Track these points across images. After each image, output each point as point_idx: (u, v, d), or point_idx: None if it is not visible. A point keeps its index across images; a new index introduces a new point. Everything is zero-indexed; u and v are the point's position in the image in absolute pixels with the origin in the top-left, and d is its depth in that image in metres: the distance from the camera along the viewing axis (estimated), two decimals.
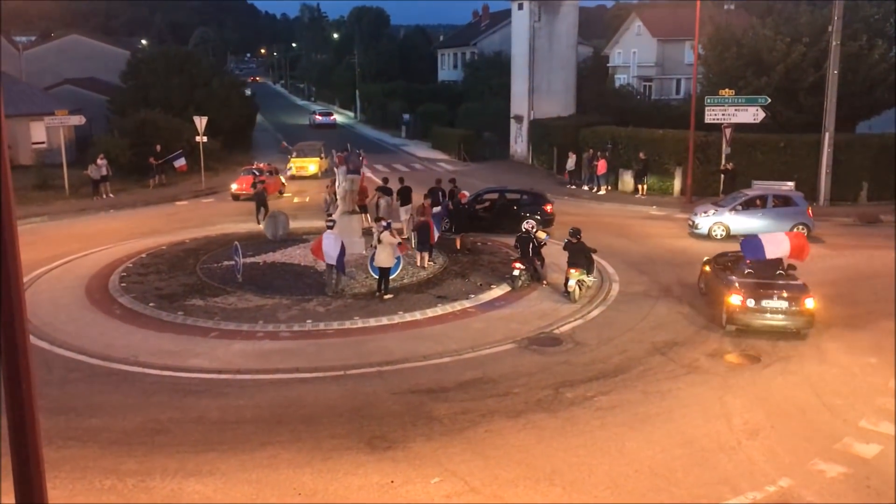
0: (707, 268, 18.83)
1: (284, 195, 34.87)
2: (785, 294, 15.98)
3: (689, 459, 11.05)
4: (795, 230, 24.21)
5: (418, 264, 20.98)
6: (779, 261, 16.86)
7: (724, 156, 29.86)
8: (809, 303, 15.91)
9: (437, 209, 22.38)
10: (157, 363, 14.94)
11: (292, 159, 40.65)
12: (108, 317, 17.89)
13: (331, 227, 19.23)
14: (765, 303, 15.93)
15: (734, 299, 16.12)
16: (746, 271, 16.82)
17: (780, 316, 15.93)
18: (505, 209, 26.33)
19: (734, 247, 19.53)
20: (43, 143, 40.39)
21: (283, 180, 36.07)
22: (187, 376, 14.38)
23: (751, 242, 17.06)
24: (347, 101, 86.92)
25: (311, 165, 40.12)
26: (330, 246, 18.51)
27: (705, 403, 12.91)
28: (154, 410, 12.87)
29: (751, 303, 15.93)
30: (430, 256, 21.37)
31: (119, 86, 48.99)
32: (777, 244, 16.83)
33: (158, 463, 11.02)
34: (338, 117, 77.78)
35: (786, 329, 16.06)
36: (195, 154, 36.71)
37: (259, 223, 26.75)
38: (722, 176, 29.81)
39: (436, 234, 21.50)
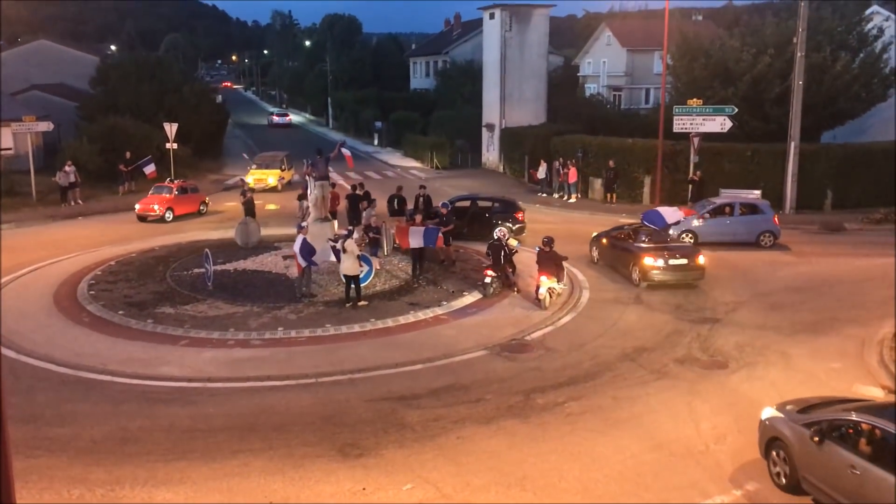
0: (604, 240, 22.50)
1: (204, 213, 31.94)
2: (684, 253, 20.34)
3: (658, 464, 11.19)
4: (762, 238, 24.75)
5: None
6: (666, 230, 21.68)
7: (692, 164, 30.26)
8: (701, 259, 20.25)
9: (430, 223, 21.54)
10: (126, 371, 14.81)
11: (251, 171, 38.43)
12: (77, 325, 17.70)
13: (300, 228, 19.66)
14: (671, 261, 20.00)
15: (648, 260, 19.92)
16: (646, 238, 20.78)
17: (682, 271, 20.07)
18: (477, 216, 26.44)
19: (701, 253, 20.21)
20: (10, 149, 39.76)
21: (207, 199, 32.64)
22: (157, 384, 14.28)
23: (652, 213, 21.94)
24: (320, 109, 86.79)
25: (271, 178, 38.00)
26: (297, 246, 18.73)
27: (674, 409, 13.09)
28: (123, 419, 12.76)
29: (660, 262, 19.98)
30: (420, 270, 20.92)
31: (88, 92, 48.46)
32: (672, 214, 22.05)
33: (128, 472, 10.94)
34: (298, 118, 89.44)
35: (685, 280, 20.17)
36: (165, 161, 36.41)
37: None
38: (690, 186, 30.20)
39: (418, 239, 20.33)
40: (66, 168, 33.74)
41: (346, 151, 24.22)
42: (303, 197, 24.40)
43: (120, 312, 18.19)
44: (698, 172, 30.29)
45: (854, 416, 9.62)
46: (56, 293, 20.12)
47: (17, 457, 10.75)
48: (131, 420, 12.71)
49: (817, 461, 9.78)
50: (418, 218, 20.94)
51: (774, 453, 10.64)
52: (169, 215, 30.00)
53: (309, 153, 24.47)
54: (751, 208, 25.55)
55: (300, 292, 19.14)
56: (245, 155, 42.90)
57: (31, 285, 21.04)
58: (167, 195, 30.70)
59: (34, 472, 10.79)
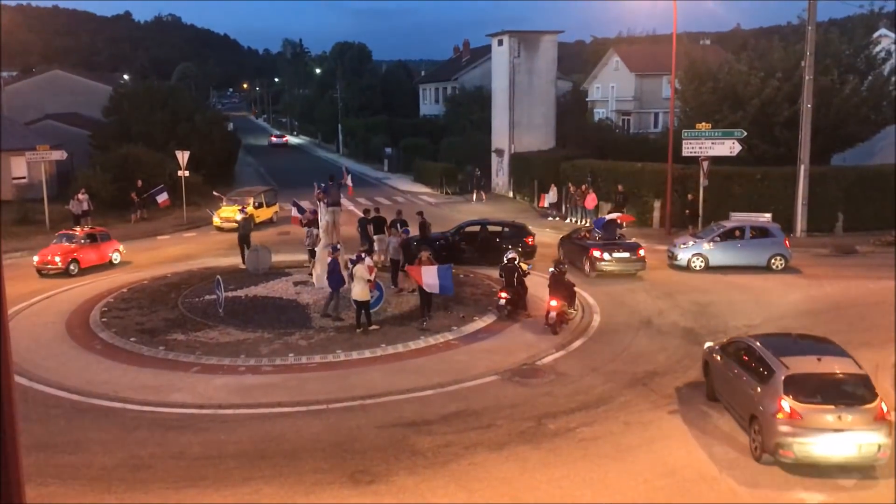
0: (565, 244, 26.56)
1: (116, 264, 27.46)
2: (626, 248, 24.54)
3: (671, 490, 11.11)
4: (773, 261, 24.69)
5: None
6: (614, 232, 25.48)
7: (701, 188, 30.26)
8: (642, 252, 24.38)
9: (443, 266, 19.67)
10: (138, 398, 14.85)
11: (223, 206, 35.22)
12: (89, 352, 17.78)
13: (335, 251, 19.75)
14: (615, 255, 24.17)
15: (596, 254, 24.05)
16: (598, 238, 25.04)
17: (625, 264, 24.21)
18: (487, 242, 26.50)
19: (711, 277, 19.79)
20: (24, 178, 40.26)
21: (121, 247, 28.15)
22: (169, 411, 14.31)
23: (599, 220, 26.51)
24: (330, 135, 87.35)
25: (239, 216, 31.53)
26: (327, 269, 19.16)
27: (686, 434, 13.01)
28: (135, 446, 12.78)
29: (606, 256, 24.03)
30: (428, 311, 19.46)
31: (101, 121, 49.01)
32: (609, 217, 26.41)
33: (140, 499, 10.96)
34: (308, 143, 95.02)
35: (628, 270, 24.24)
36: (177, 189, 36.71)
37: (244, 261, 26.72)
38: (687, 210, 30.46)
39: (434, 286, 18.73)
40: (80, 196, 34.08)
41: (348, 180, 24.49)
42: (311, 224, 24.44)
43: (132, 339, 18.27)
44: (691, 194, 30.61)
45: (740, 338, 13.92)
46: (68, 320, 20.23)
47: (30, 484, 10.78)
48: (143, 447, 12.73)
49: (719, 372, 13.86)
50: (424, 255, 19.62)
51: (703, 371, 14.71)
52: (74, 268, 25.63)
53: (320, 179, 24.60)
54: (761, 232, 25.50)
55: (324, 313, 19.43)
56: (215, 192, 38.25)
57: (43, 312, 21.17)
58: (71, 245, 26.11)
59: (47, 499, 10.81)
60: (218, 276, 20.93)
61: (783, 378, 11.62)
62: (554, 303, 18.55)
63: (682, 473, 11.58)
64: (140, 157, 39.90)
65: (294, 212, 25.55)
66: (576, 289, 19.63)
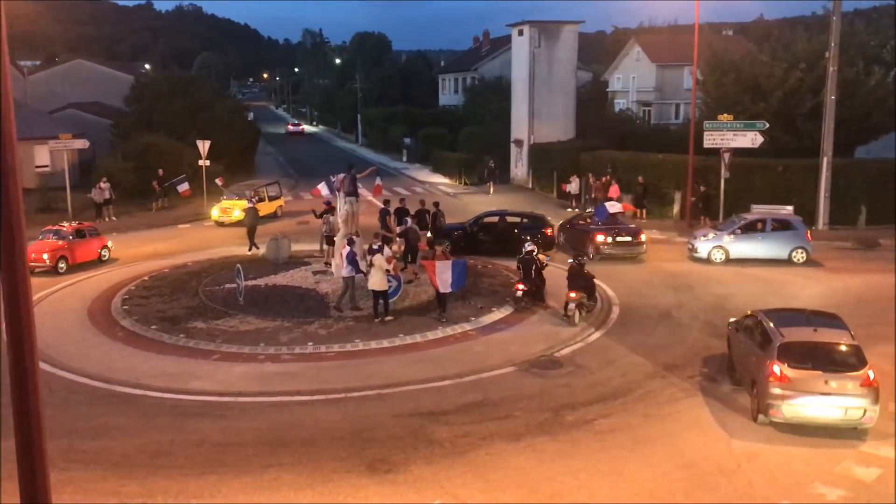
0: (567, 226, 27.87)
1: (105, 260, 26.24)
2: (628, 233, 25.71)
3: (689, 482, 11.09)
4: (794, 254, 24.48)
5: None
6: (615, 217, 26.40)
7: (722, 180, 30.03)
8: (642, 237, 25.49)
9: (458, 259, 20.10)
10: (158, 385, 15.00)
11: (223, 200, 34.35)
12: (111, 339, 17.99)
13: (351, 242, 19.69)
14: (618, 239, 25.37)
15: (599, 238, 25.28)
16: (599, 223, 25.96)
17: (627, 247, 25.30)
18: (505, 232, 26.46)
19: (732, 269, 19.69)
20: (46, 166, 40.65)
21: (110, 243, 26.88)
22: (189, 399, 14.44)
23: (600, 209, 26.83)
24: (349, 125, 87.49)
25: (237, 210, 32.66)
26: (345, 257, 19.13)
27: (705, 426, 12.97)
28: (155, 433, 12.92)
29: (609, 239, 25.27)
30: (443, 310, 19.10)
31: (123, 110, 49.37)
32: (613, 207, 26.87)
33: (160, 485, 11.07)
34: (326, 133, 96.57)
35: (630, 254, 25.25)
36: (198, 178, 36.92)
37: (251, 246, 27.13)
38: (702, 196, 30.44)
39: (447, 283, 18.60)
40: (101, 185, 34.38)
41: (377, 180, 24.27)
42: (327, 213, 24.53)
43: (153, 327, 18.44)
44: (703, 186, 30.54)
45: (754, 312, 14.59)
46: (90, 308, 20.45)
47: (52, 469, 10.88)
48: (163, 434, 12.86)
49: (735, 344, 14.92)
50: (439, 249, 19.73)
51: (727, 346, 15.54)
52: (62, 265, 24.46)
53: (339, 169, 24.63)
54: (783, 224, 25.28)
55: (337, 305, 19.40)
56: (218, 181, 36.97)
57: (66, 300, 21.41)
58: (59, 241, 24.84)
59: (69, 484, 10.94)
60: (238, 265, 21.08)
61: (778, 345, 12.72)
62: (573, 294, 18.51)
63: (701, 466, 11.54)
64: (161, 147, 40.16)
65: (323, 189, 24.72)
66: (595, 280, 19.54)
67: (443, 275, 18.42)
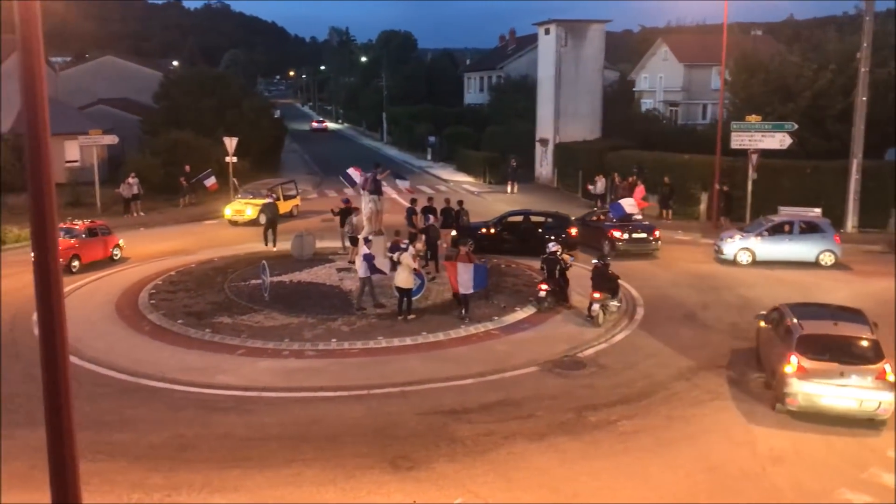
0: (579, 226, 27.29)
1: (117, 259, 25.84)
2: (643, 229, 26.19)
3: (712, 485, 11.02)
4: (822, 257, 24.21)
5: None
6: (629, 214, 26.60)
7: (749, 181, 29.77)
8: (657, 233, 26.12)
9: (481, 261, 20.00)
10: (184, 379, 15.15)
11: (237, 199, 34.14)
12: (138, 333, 18.20)
13: (367, 242, 19.75)
14: (634, 235, 25.92)
15: (616, 234, 25.75)
16: (614, 220, 26.40)
17: (642, 244, 25.88)
18: (529, 232, 26.41)
19: (758, 271, 19.61)
20: (76, 161, 41.16)
21: (121, 242, 26.32)
22: (214, 393, 14.58)
23: (616, 206, 27.10)
24: (374, 124, 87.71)
25: (249, 209, 32.67)
26: (362, 257, 19.18)
27: (730, 430, 12.87)
28: (181, 426, 13.05)
29: (626, 236, 25.79)
30: (465, 311, 18.89)
31: (151, 106, 49.87)
32: (630, 206, 26.81)
33: (184, 478, 11.18)
34: (352, 132, 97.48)
35: (645, 250, 25.82)
36: (224, 174, 37.20)
37: (266, 242, 27.27)
38: (722, 197, 30.36)
39: (468, 285, 18.53)
40: (130, 180, 34.78)
41: (404, 183, 24.11)
42: (345, 212, 24.74)
43: (179, 322, 18.63)
44: (726, 185, 30.31)
45: (779, 306, 15.12)
46: (118, 302, 20.70)
47: (80, 460, 11.06)
48: (188, 427, 12.99)
49: (761, 337, 15.60)
50: (463, 250, 19.48)
51: (756, 339, 16.20)
52: (76, 264, 24.03)
53: (364, 168, 24.69)
54: (811, 227, 25.01)
55: (359, 305, 19.38)
56: (235, 180, 37.12)
57: (94, 294, 21.67)
58: (71, 240, 24.20)
59: (96, 475, 11.08)
60: (264, 261, 21.22)
61: (797, 337, 13.24)
62: (597, 295, 18.44)
63: (725, 469, 11.47)
64: (189, 143, 40.55)
65: (356, 176, 24.33)
66: (620, 281, 19.44)
67: (463, 276, 18.38)
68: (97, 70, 57.84)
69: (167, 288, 21.73)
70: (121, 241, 26.31)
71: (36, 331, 18.04)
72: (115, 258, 25.72)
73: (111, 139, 36.89)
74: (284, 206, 33.96)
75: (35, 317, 19.16)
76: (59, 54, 76.21)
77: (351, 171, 23.92)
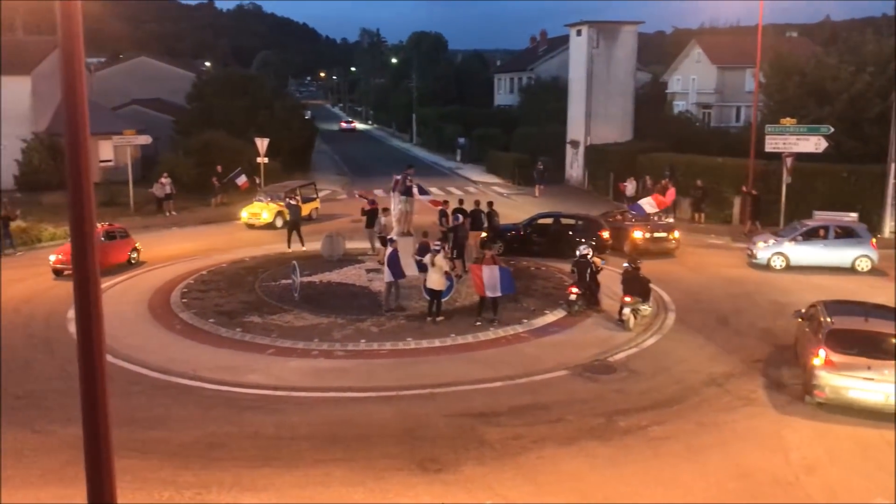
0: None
1: (134, 262, 25.39)
2: (664, 229, 26.91)
3: (744, 493, 10.87)
4: (858, 262, 23.81)
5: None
6: (648, 214, 26.94)
7: (784, 185, 29.37)
8: (677, 233, 26.78)
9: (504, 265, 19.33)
10: (215, 378, 15.29)
11: (254, 202, 33.69)
12: (170, 331, 18.40)
13: (391, 242, 19.80)
14: (655, 234, 26.48)
15: (637, 234, 26.22)
16: (634, 220, 26.88)
17: (663, 243, 26.35)
18: (559, 234, 26.29)
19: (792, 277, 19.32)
20: (110, 161, 41.71)
21: (138, 245, 25.88)
22: (244, 392, 14.68)
23: (636, 206, 27.34)
24: (404, 125, 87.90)
25: (265, 212, 32.46)
26: (387, 259, 19.14)
27: (762, 437, 12.69)
28: (211, 424, 13.16)
29: (647, 235, 26.25)
30: (495, 313, 18.84)
31: (184, 107, 50.41)
32: (649, 205, 26.85)
33: (215, 476, 11.26)
34: (381, 132, 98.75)
35: (667, 248, 26.27)
36: (256, 175, 37.49)
37: (291, 242, 27.29)
38: (749, 200, 29.93)
39: (493, 287, 18.35)
40: (163, 180, 35.21)
41: (426, 198, 23.90)
42: (371, 213, 24.89)
43: (210, 321, 18.80)
44: (754, 189, 30.05)
45: (816, 303, 15.47)
46: (151, 300, 20.94)
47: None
48: (219, 426, 13.09)
49: (799, 334, 15.81)
50: (488, 254, 19.36)
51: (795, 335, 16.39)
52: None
53: (394, 168, 24.76)
54: (846, 231, 24.60)
55: (387, 307, 19.38)
56: (258, 180, 37.36)
57: (127, 292, 21.94)
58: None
59: (128, 472, 11.18)
60: (294, 262, 21.36)
61: (827, 331, 13.66)
62: (628, 299, 18.29)
63: (757, 477, 11.30)
64: (221, 143, 40.96)
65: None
66: (651, 285, 19.26)
67: (488, 279, 18.22)
68: (131, 71, 58.55)
69: (199, 287, 21.94)
70: (137, 245, 25.89)
71: (70, 327, 18.40)
72: (132, 262, 25.20)
73: (145, 139, 37.36)
74: (304, 209, 32.85)
75: (70, 314, 19.52)
76: (93, 55, 77.25)
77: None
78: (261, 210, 32.59)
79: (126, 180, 35.79)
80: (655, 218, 27.40)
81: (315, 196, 36.27)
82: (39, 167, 38.69)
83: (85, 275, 4.53)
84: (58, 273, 23.37)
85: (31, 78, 40.68)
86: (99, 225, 24.54)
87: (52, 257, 23.63)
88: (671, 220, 29.21)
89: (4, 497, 10.72)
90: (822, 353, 13.37)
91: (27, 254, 26.30)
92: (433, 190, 41.17)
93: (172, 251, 27.35)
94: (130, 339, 17.64)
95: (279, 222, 31.83)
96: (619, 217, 28.21)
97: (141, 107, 51.31)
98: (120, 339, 17.43)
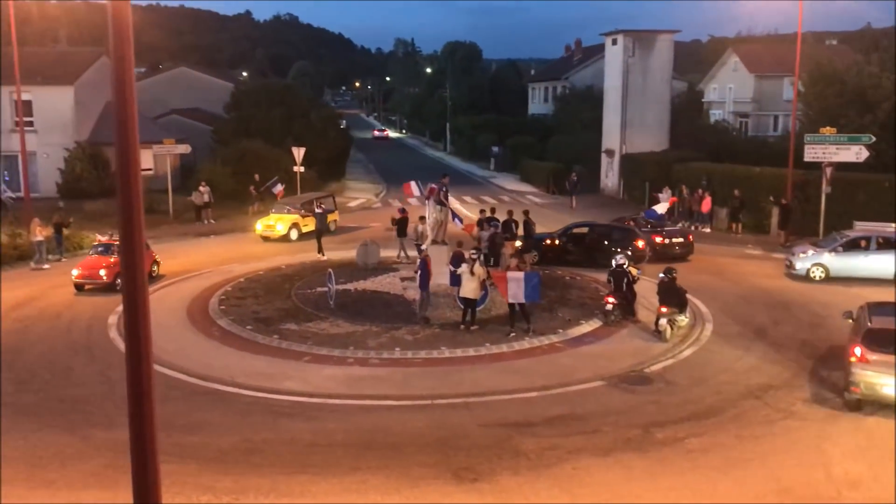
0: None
1: (154, 275, 24.43)
2: (680, 234, 28.26)
3: None
4: None
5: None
6: (663, 219, 29.17)
7: (823, 195, 28.95)
8: (690, 238, 27.89)
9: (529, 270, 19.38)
10: (252, 384, 15.44)
11: (272, 213, 32.78)
12: (208, 338, 18.63)
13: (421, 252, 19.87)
14: (673, 239, 27.34)
15: (657, 239, 26.94)
16: (648, 225, 27.96)
17: (678, 247, 27.18)
18: (595, 244, 26.16)
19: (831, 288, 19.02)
20: (150, 169, 42.23)
21: (157, 257, 25.27)
22: (280, 398, 14.80)
23: (650, 211, 29.68)
24: (438, 133, 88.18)
25: (280, 225, 31.65)
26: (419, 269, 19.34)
27: (802, 451, 12.49)
28: (249, 430, 13.29)
29: (662, 242, 26.97)
30: (527, 322, 18.54)
31: (222, 116, 51.10)
32: (662, 208, 29.97)
33: (252, 482, 11.37)
34: (414, 142, 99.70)
35: (681, 253, 26.89)
36: (292, 183, 37.88)
37: (319, 252, 27.66)
38: (779, 210, 29.74)
39: (518, 294, 18.12)
40: (201, 188, 35.71)
41: (458, 224, 24.02)
42: (402, 221, 25.14)
43: (248, 327, 18.99)
44: (783, 200, 29.87)
45: (863, 306, 15.66)
46: (189, 307, 21.21)
47: None
48: (256, 432, 13.21)
49: (847, 334, 15.66)
50: (513, 263, 19.11)
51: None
52: (119, 281, 21.31)
53: (428, 178, 24.88)
54: (889, 242, 24.12)
55: (421, 315, 19.44)
56: (280, 184, 37.03)
57: (166, 299, 22.24)
58: (114, 257, 23.00)
59: (167, 477, 11.18)
60: (330, 270, 21.52)
61: (864, 330, 14.18)
62: (664, 309, 18.14)
63: (797, 492, 11.12)
64: (258, 153, 41.47)
65: (415, 189, 24.33)
66: (687, 296, 19.08)
67: (513, 286, 18.04)
68: (171, 81, 59.47)
69: (236, 294, 22.19)
70: (157, 257, 25.21)
71: (111, 333, 18.68)
72: (153, 275, 24.09)
73: (184, 148, 37.95)
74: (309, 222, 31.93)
75: (111, 319, 19.89)
76: (134, 66, 78.48)
77: (413, 185, 24.06)
78: (275, 222, 31.89)
79: (165, 188, 36.37)
80: (669, 224, 28.23)
81: (334, 208, 35.57)
82: (81, 175, 39.49)
83: (133, 280, 4.63)
84: (79, 288, 22.95)
85: (74, 88, 41.57)
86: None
87: (75, 272, 23.05)
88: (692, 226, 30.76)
89: (49, 500, 10.93)
90: (857, 350, 13.90)
91: (71, 260, 26.78)
92: (466, 199, 41.32)
93: (209, 259, 27.67)
94: (170, 344, 17.86)
95: (294, 234, 31.59)
96: (630, 223, 28.52)
97: (180, 116, 52.09)
98: (159, 345, 17.57)
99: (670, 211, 35.35)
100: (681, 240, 27.64)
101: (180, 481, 11.29)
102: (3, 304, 21.11)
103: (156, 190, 38.44)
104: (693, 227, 33.63)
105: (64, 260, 27.24)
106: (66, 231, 28.16)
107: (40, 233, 26.38)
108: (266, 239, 31.60)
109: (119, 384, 15.22)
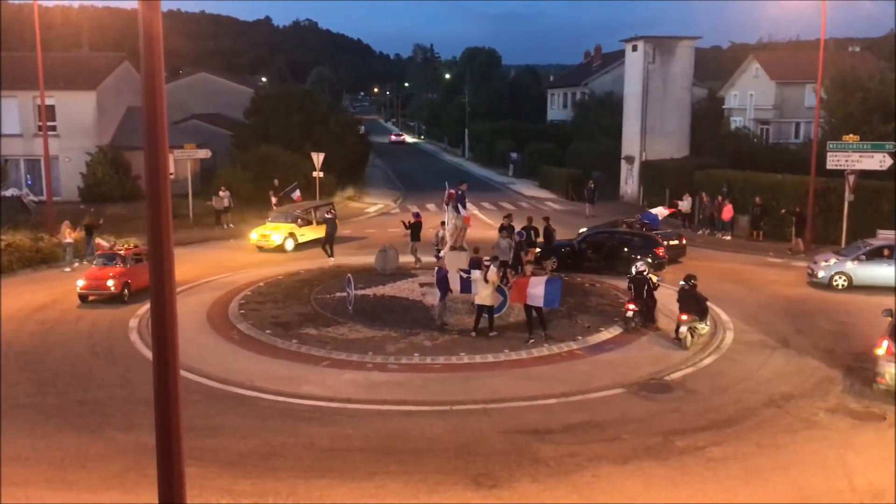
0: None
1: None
2: (674, 237, 28.65)
3: None
4: None
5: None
6: (657, 221, 30.04)
7: (846, 203, 28.68)
8: (684, 241, 28.82)
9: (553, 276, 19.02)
10: (271, 388, 15.47)
11: (267, 223, 31.74)
12: (227, 342, 18.69)
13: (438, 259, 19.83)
14: (671, 243, 27.69)
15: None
16: (645, 229, 28.22)
17: (674, 251, 27.40)
18: (615, 251, 26.05)
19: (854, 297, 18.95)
20: (171, 174, 42.66)
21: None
22: (299, 403, 14.82)
23: (648, 215, 30.75)
24: (456, 139, 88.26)
25: (275, 234, 30.49)
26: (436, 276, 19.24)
27: (825, 461, 12.34)
28: (268, 434, 13.31)
29: (665, 243, 27.00)
30: (544, 328, 18.48)
31: (242, 121, 51.40)
32: (661, 213, 31.07)
33: (271, 486, 11.39)
34: (432, 147, 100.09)
35: (672, 256, 27.01)
36: (311, 188, 38.02)
37: (326, 254, 28.04)
38: (794, 219, 29.58)
39: (537, 297, 18.03)
40: (221, 193, 35.91)
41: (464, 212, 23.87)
42: (415, 226, 25.27)
43: (267, 332, 19.05)
44: (797, 208, 29.72)
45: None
46: (209, 311, 21.31)
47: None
48: (275, 436, 13.24)
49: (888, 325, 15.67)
50: (529, 269, 19.16)
51: None
52: (127, 291, 22.20)
53: (450, 184, 24.83)
54: None
55: (440, 320, 19.44)
56: (297, 192, 36.42)
57: (186, 302, 22.30)
58: (120, 266, 22.51)
59: (187, 479, 11.35)
60: (349, 275, 21.56)
61: (893, 324, 15.01)
62: (684, 317, 18.02)
63: (820, 502, 10.99)
64: (277, 158, 41.64)
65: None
66: (708, 303, 18.95)
67: (532, 289, 17.96)
68: (192, 86, 59.90)
69: (256, 298, 22.28)
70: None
71: (132, 336, 18.77)
72: None
73: (205, 153, 38.19)
74: (318, 231, 31.06)
75: (132, 322, 20.03)
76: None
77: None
78: (271, 232, 30.70)
79: (185, 193, 36.60)
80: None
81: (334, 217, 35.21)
82: (103, 179, 39.87)
83: (161, 283, 4.66)
84: (83, 299, 22.10)
85: (97, 93, 41.98)
86: (125, 247, 24.29)
87: (80, 282, 22.16)
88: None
89: (71, 500, 11.00)
90: (884, 343, 14.68)
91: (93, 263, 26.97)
92: (485, 204, 41.27)
93: (234, 263, 27.81)
94: (189, 348, 17.86)
95: (290, 245, 30.60)
96: (624, 225, 29.15)
97: (200, 121, 52.42)
98: (179, 349, 17.67)
99: (689, 217, 35.22)
100: (675, 242, 28.26)
101: (200, 484, 11.32)
102: (25, 306, 21.32)
103: (175, 195, 38.52)
104: (714, 234, 33.45)
105: (85, 262, 27.45)
106: (95, 233, 28.48)
107: (70, 235, 26.81)
108: (261, 249, 30.41)
109: (140, 387, 15.36)
